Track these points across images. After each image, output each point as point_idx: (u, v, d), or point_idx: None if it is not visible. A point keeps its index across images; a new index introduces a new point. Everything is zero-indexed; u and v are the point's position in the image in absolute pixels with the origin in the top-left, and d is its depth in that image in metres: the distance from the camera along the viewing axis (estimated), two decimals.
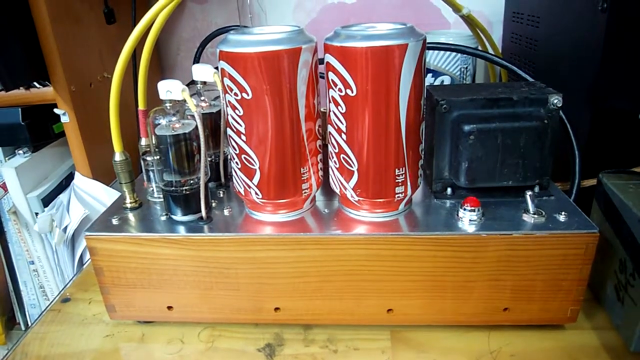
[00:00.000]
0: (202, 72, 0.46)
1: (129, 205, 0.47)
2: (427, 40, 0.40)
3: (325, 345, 0.45)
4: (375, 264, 0.42)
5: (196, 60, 0.67)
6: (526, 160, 0.43)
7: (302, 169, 0.43)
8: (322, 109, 0.44)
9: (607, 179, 0.45)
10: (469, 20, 0.61)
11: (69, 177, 0.77)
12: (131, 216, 0.46)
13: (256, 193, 0.43)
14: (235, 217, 0.45)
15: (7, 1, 0.59)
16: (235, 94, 0.40)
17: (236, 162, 0.43)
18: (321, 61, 0.41)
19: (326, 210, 0.46)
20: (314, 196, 0.47)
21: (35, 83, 0.67)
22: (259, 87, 0.39)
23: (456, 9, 0.58)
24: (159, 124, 0.43)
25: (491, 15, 0.88)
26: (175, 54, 0.99)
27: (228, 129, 0.43)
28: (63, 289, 0.56)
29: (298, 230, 0.42)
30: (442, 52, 0.73)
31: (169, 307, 0.46)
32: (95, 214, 0.68)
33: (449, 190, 0.46)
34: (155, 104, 0.45)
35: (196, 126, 0.42)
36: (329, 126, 0.42)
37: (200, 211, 0.44)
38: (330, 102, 0.41)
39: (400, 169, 0.41)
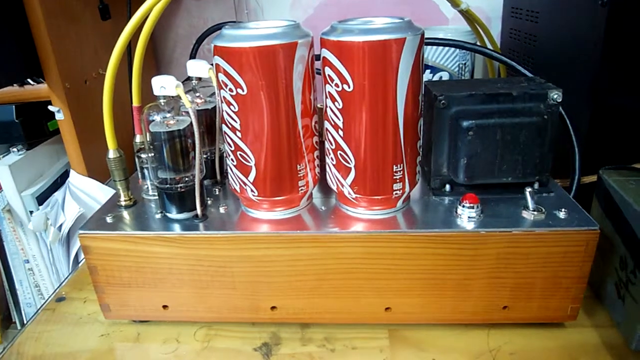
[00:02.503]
0: (197, 68, 0.46)
1: (123, 203, 0.47)
2: (425, 36, 0.39)
3: (322, 344, 0.44)
4: (373, 261, 0.41)
5: (192, 57, 0.66)
6: (526, 157, 0.42)
7: (298, 166, 0.42)
8: (318, 105, 0.43)
9: (608, 175, 0.45)
10: (467, 15, 0.60)
11: (64, 175, 0.76)
12: (126, 214, 0.46)
13: (252, 190, 0.42)
14: (231, 215, 0.45)
15: None
16: (230, 90, 0.39)
17: (232, 159, 0.43)
18: (318, 57, 0.41)
19: (323, 208, 0.45)
20: (311, 193, 0.46)
21: (29, 80, 0.66)
22: (254, 83, 0.38)
23: (455, 4, 0.58)
24: (153, 120, 0.43)
25: (490, 11, 0.87)
26: (171, 50, 0.98)
27: (223, 126, 0.42)
28: (58, 288, 0.55)
29: (295, 228, 0.42)
30: (440, 48, 0.72)
31: (165, 307, 0.45)
32: (91, 212, 0.67)
33: (447, 187, 0.45)
34: (151, 101, 0.44)
35: (191, 123, 0.41)
36: (326, 122, 0.42)
37: (195, 209, 0.44)
38: (326, 97, 0.40)
39: (398, 166, 0.41)
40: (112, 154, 0.45)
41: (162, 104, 0.42)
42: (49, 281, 0.81)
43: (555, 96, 0.42)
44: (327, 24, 0.40)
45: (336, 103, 0.39)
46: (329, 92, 0.40)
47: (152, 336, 0.47)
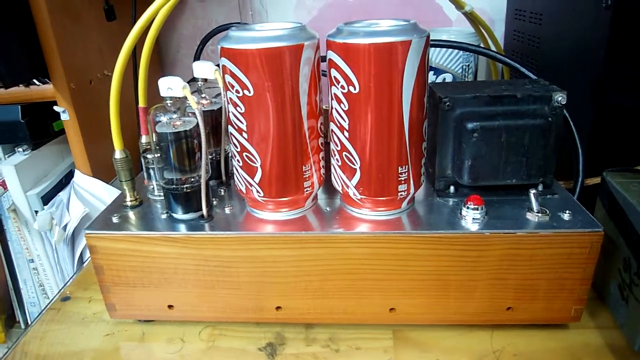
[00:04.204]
0: (203, 69, 0.46)
1: (129, 204, 0.47)
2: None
3: (327, 344, 0.45)
4: (377, 262, 0.42)
5: (197, 58, 0.66)
6: (530, 158, 0.42)
7: (304, 167, 0.42)
8: (324, 107, 0.44)
9: (611, 177, 0.45)
10: (471, 17, 0.60)
11: (69, 175, 0.76)
12: (131, 214, 0.46)
13: (257, 191, 0.43)
14: (237, 216, 0.45)
15: None
16: (237, 91, 0.39)
17: (237, 160, 0.43)
18: (323, 59, 0.41)
19: (328, 209, 0.45)
20: (316, 194, 0.46)
21: (34, 80, 0.67)
22: (260, 84, 0.38)
23: (459, 6, 0.58)
24: (160, 121, 0.43)
25: (493, 13, 0.87)
26: (175, 51, 0.99)
27: (229, 127, 0.42)
28: (63, 287, 0.55)
29: (300, 228, 0.42)
30: (444, 50, 0.73)
31: (170, 306, 0.46)
32: (96, 212, 0.68)
33: (451, 188, 0.46)
34: (156, 102, 0.45)
35: (197, 124, 0.41)
36: (331, 124, 0.42)
37: (201, 209, 0.44)
38: (332, 99, 0.41)
39: (403, 167, 0.41)
40: (118, 154, 0.46)
41: (169, 104, 0.42)
42: (53, 281, 0.81)
43: (559, 98, 0.42)
44: (332, 26, 0.40)
45: (342, 105, 0.39)
46: (334, 93, 0.40)
47: (157, 336, 0.47)
